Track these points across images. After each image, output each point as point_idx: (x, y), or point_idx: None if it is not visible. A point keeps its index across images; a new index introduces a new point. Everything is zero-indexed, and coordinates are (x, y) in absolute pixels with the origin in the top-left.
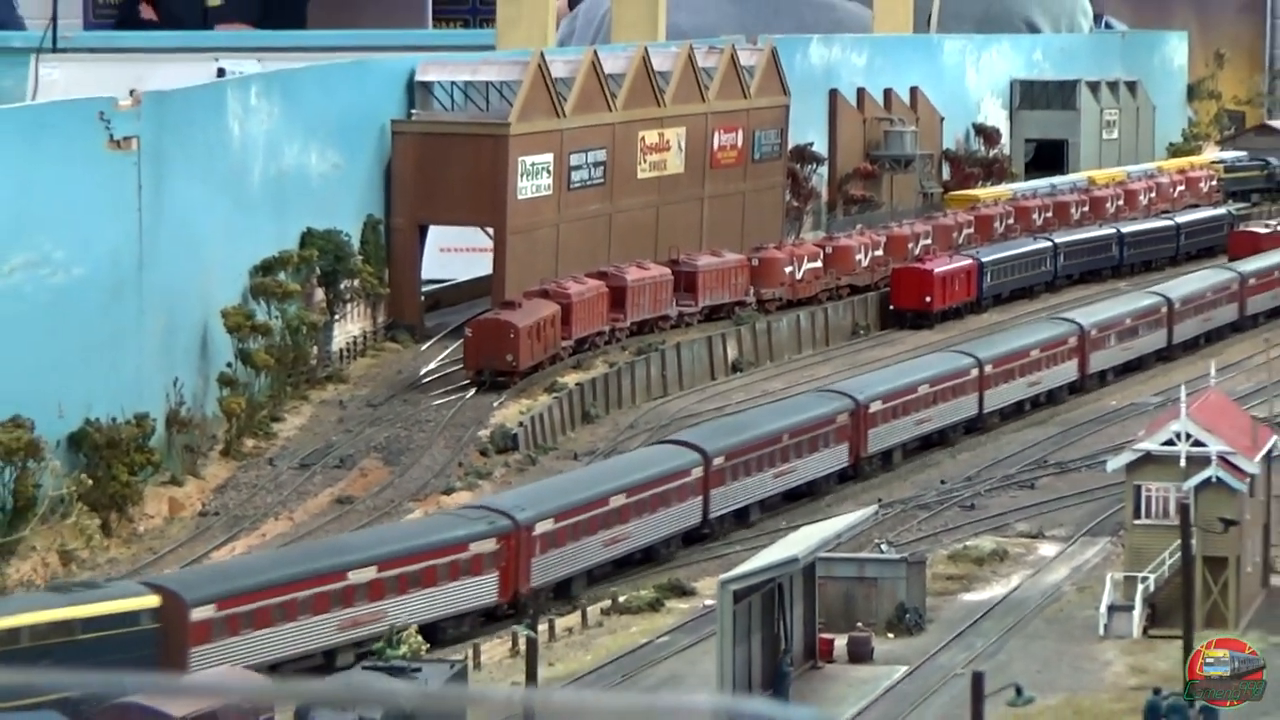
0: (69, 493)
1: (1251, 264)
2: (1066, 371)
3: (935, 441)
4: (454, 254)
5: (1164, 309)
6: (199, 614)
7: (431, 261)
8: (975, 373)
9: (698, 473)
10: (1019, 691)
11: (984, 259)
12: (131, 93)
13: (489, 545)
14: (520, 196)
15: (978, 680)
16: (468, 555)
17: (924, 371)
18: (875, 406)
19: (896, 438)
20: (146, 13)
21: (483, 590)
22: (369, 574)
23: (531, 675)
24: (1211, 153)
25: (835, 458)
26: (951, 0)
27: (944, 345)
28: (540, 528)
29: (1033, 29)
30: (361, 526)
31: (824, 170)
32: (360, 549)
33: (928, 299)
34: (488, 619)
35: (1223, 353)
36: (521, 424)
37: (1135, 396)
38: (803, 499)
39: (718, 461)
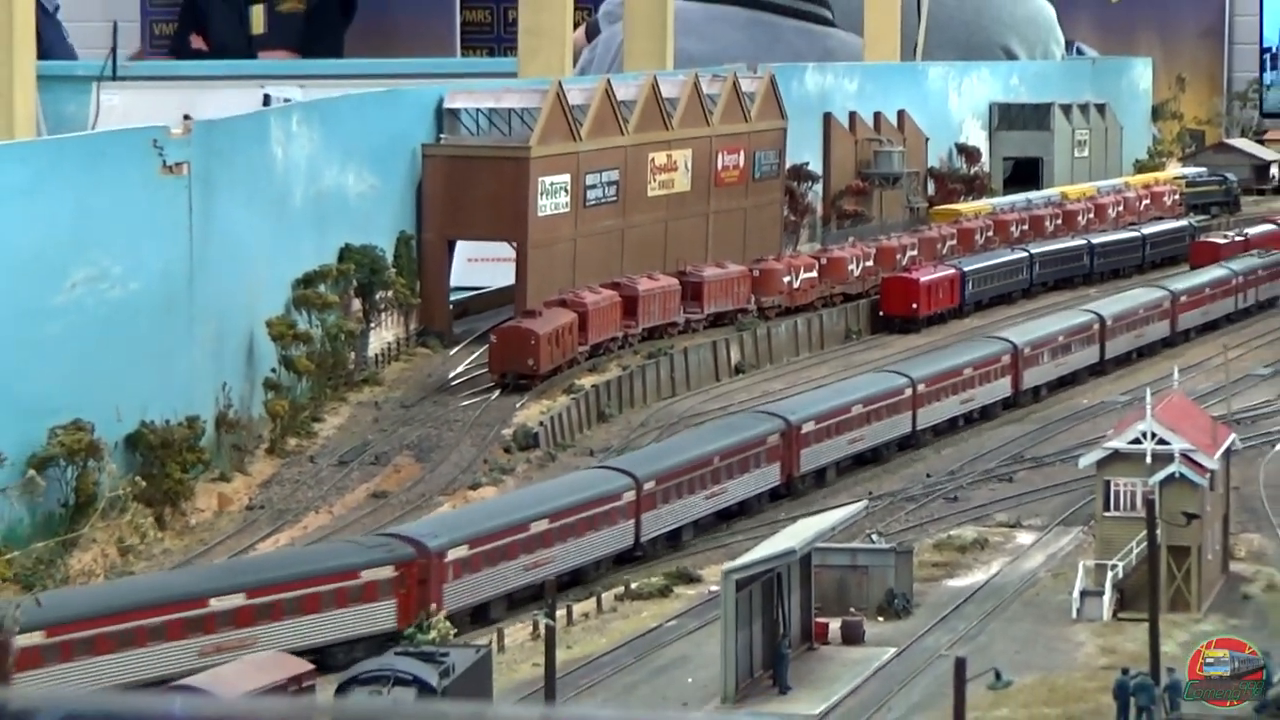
0: (124, 493)
1: (1182, 282)
2: (1000, 388)
3: (869, 459)
4: (481, 264)
5: (1096, 326)
6: (23, 640)
7: (461, 270)
8: (909, 392)
9: (629, 497)
10: (998, 675)
11: (966, 268)
12: (186, 118)
13: (385, 572)
14: (540, 214)
15: (960, 666)
16: (358, 583)
17: (857, 392)
18: (808, 427)
19: (829, 457)
20: (197, 43)
21: (378, 617)
22: (235, 601)
23: (550, 660)
24: (1174, 169)
25: (767, 478)
26: (935, 30)
27: (928, 348)
28: (453, 554)
29: (1010, 55)
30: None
31: (819, 187)
32: (227, 576)
33: (914, 305)
34: (392, 640)
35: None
36: (542, 423)
37: (1105, 395)
38: (735, 518)
39: (649, 485)
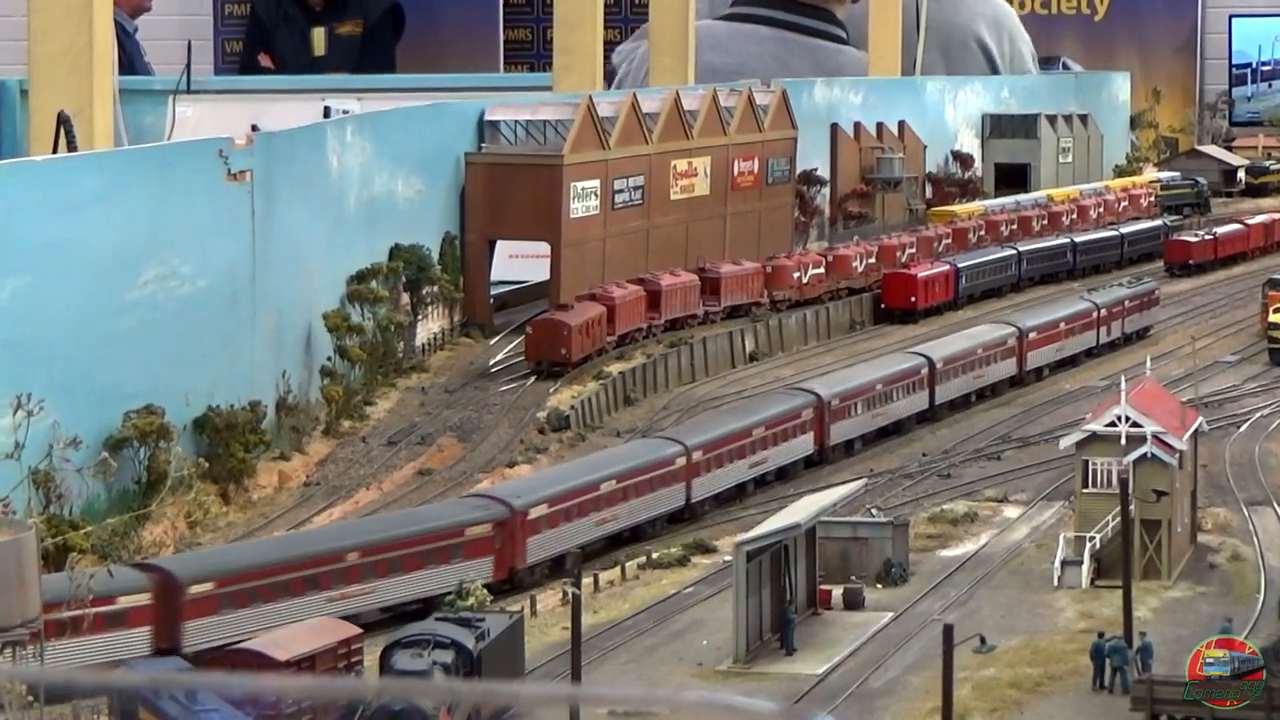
0: (188, 473)
1: (1032, 319)
2: (800, 446)
3: (627, 538)
4: (521, 260)
5: (924, 370)
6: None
7: (503, 265)
8: (682, 461)
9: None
10: (983, 640)
11: (960, 265)
12: (253, 128)
13: None
14: (572, 216)
15: (948, 632)
16: None
17: (611, 466)
18: (538, 512)
19: (565, 543)
20: (265, 61)
21: None
22: None
23: (576, 625)
24: (1150, 173)
25: (478, 571)
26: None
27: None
28: None
29: (983, 47)
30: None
31: (826, 191)
32: None
33: (913, 299)
34: None
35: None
36: (573, 407)
37: (1085, 381)
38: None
39: (199, 591)
